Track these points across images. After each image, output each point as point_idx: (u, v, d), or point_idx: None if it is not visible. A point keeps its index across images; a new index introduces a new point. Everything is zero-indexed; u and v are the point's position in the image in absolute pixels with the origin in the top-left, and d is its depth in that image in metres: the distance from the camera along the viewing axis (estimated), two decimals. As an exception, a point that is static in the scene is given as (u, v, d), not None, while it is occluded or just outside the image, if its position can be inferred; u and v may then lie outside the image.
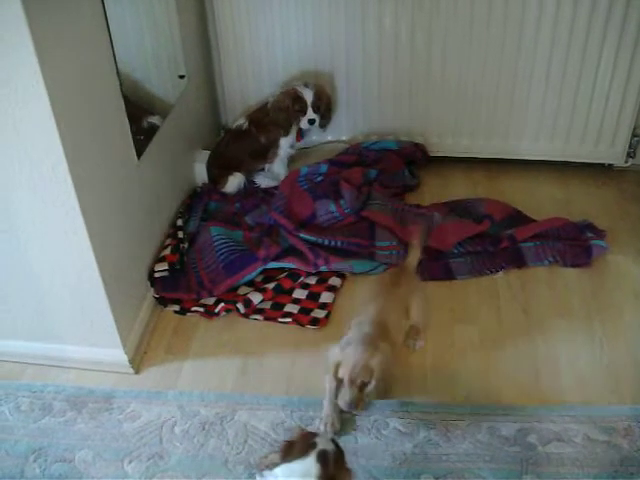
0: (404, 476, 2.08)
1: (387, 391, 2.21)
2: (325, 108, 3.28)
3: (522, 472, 2.09)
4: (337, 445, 1.76)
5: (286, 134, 3.29)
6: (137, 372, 2.49)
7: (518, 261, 2.85)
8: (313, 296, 2.72)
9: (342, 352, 2.14)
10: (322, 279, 2.80)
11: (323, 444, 1.71)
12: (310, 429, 1.92)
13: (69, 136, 1.98)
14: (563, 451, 2.14)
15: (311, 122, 3.24)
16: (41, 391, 2.43)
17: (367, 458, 2.13)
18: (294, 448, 1.72)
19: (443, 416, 2.25)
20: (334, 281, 2.79)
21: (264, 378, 2.41)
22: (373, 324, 2.23)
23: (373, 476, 2.09)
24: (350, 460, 2.00)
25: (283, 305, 2.69)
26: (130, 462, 2.17)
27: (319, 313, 2.65)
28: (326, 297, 2.72)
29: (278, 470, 1.67)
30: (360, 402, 2.11)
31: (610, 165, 3.40)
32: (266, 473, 1.71)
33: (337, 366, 2.12)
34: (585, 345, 2.52)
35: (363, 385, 2.09)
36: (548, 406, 2.29)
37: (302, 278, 2.78)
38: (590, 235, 2.92)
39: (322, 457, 1.68)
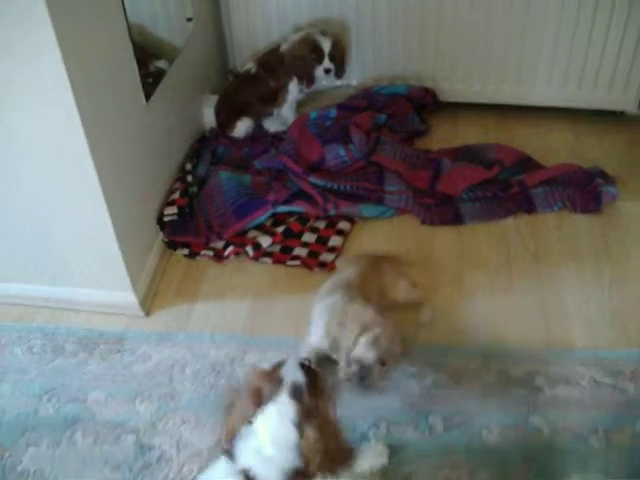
0: (412, 417, 2.11)
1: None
2: (340, 58, 3.24)
3: (529, 413, 2.11)
4: (307, 369, 1.63)
5: (301, 82, 3.25)
6: (147, 314, 2.51)
7: (528, 206, 2.84)
8: (322, 240, 2.72)
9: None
10: (331, 223, 2.80)
11: (291, 376, 1.60)
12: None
13: (77, 77, 1.96)
14: (570, 393, 2.17)
15: (327, 71, 3.20)
16: (53, 333, 2.46)
17: (376, 400, 2.15)
18: (263, 392, 1.61)
19: (452, 359, 2.28)
20: (343, 225, 2.79)
21: (273, 320, 2.43)
22: (352, 289, 2.21)
23: (382, 417, 2.11)
24: (359, 401, 2.05)
25: (292, 248, 2.69)
26: (141, 402, 2.21)
27: (327, 257, 2.65)
28: (335, 241, 2.72)
29: (256, 422, 1.57)
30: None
31: (622, 112, 3.36)
32: (244, 434, 1.58)
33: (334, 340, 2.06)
34: (594, 290, 2.52)
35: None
36: (556, 349, 2.31)
37: (311, 222, 2.78)
38: (600, 181, 2.90)
39: (294, 391, 1.57)
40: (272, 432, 1.54)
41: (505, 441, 2.04)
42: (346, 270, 2.35)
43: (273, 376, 1.63)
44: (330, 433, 1.58)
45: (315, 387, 1.61)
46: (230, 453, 1.59)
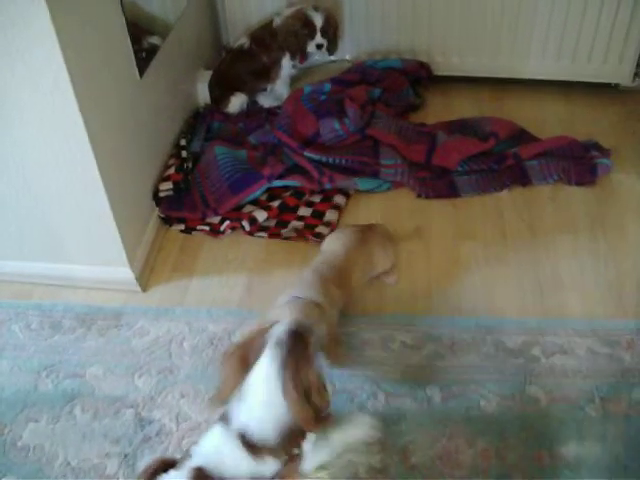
0: (410, 387, 2.12)
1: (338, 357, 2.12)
2: (333, 33, 3.22)
3: (525, 383, 2.13)
4: (293, 332, 1.60)
5: (294, 57, 3.24)
6: (144, 290, 2.51)
7: (523, 179, 2.84)
8: (318, 214, 2.72)
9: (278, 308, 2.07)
10: (327, 197, 2.80)
11: (275, 335, 1.59)
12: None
13: (71, 52, 1.95)
14: (566, 363, 2.18)
15: (319, 47, 3.19)
16: (50, 310, 2.46)
17: (375, 370, 2.16)
18: (248, 355, 1.61)
19: (449, 330, 2.29)
20: (339, 199, 2.79)
21: (270, 294, 2.41)
22: (332, 269, 2.20)
23: (381, 387, 2.13)
24: (358, 372, 2.06)
25: (288, 222, 2.69)
26: (140, 376, 2.21)
27: (323, 229, 2.65)
28: (331, 215, 2.72)
29: (245, 387, 1.59)
30: None
31: (616, 85, 3.36)
32: (236, 397, 1.60)
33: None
34: (589, 261, 2.53)
35: None
36: (552, 320, 2.32)
37: (307, 196, 2.78)
38: (595, 154, 2.91)
39: (276, 349, 1.56)
40: (258, 391, 1.57)
41: (502, 411, 2.05)
42: (333, 245, 2.33)
43: (258, 339, 1.62)
44: (312, 391, 1.57)
45: (297, 346, 1.59)
46: (224, 418, 1.62)
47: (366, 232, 2.36)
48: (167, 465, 1.63)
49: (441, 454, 1.96)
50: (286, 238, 2.65)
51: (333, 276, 2.17)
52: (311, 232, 2.63)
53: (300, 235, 2.63)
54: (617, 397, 2.09)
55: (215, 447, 1.61)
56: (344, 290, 2.19)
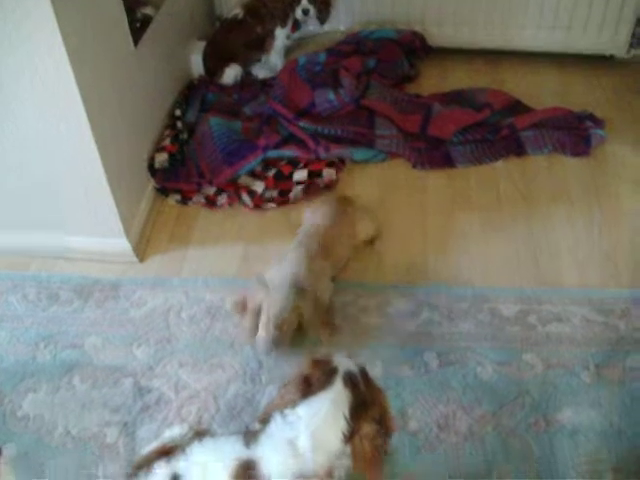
0: (407, 353, 2.14)
1: (330, 331, 2.18)
2: (324, 2, 3.22)
3: (522, 350, 2.15)
4: (359, 364, 1.55)
5: (283, 25, 3.22)
6: (141, 261, 2.51)
7: (518, 149, 2.85)
8: (315, 173, 2.73)
9: (268, 290, 2.10)
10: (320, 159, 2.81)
11: (344, 365, 1.51)
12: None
13: (67, 22, 1.94)
14: (562, 331, 2.20)
15: (305, 12, 3.19)
16: (47, 281, 2.45)
17: (372, 337, 2.18)
18: (312, 380, 1.50)
19: (445, 298, 2.30)
20: (333, 159, 2.81)
21: (266, 263, 2.42)
22: (317, 242, 2.23)
23: (377, 354, 2.14)
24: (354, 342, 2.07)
25: (289, 191, 2.68)
26: (139, 346, 2.22)
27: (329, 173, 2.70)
28: (328, 173, 2.73)
29: (301, 410, 1.46)
30: (281, 342, 2.09)
31: (611, 56, 3.35)
32: (286, 413, 1.48)
33: (259, 305, 2.10)
34: (584, 231, 2.55)
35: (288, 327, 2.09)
36: (547, 289, 2.34)
37: (301, 165, 2.78)
38: (589, 124, 2.92)
39: (349, 380, 1.48)
40: (318, 422, 1.45)
41: (499, 377, 2.07)
42: (315, 218, 2.34)
43: (323, 365, 1.53)
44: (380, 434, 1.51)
45: (367, 379, 1.53)
46: (250, 435, 1.51)
47: (344, 202, 2.40)
48: None
49: (438, 420, 1.98)
50: (295, 202, 2.66)
51: (318, 249, 2.21)
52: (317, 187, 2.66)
53: (309, 193, 2.65)
54: (612, 364, 2.11)
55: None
56: (331, 261, 2.23)
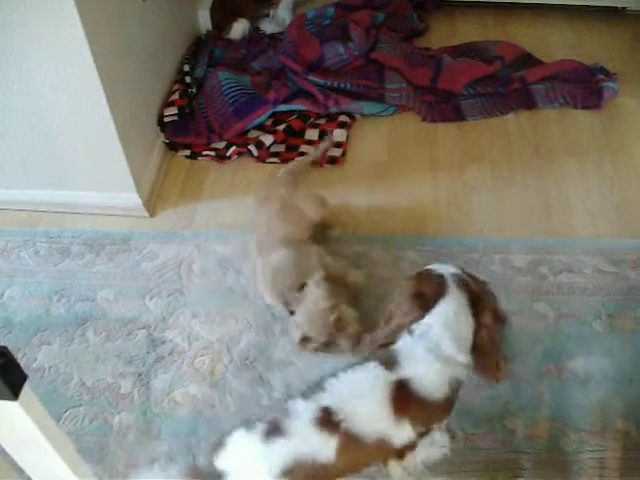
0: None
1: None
2: None
3: (533, 300, 2.16)
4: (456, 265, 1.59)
5: None
6: (152, 215, 2.51)
7: (529, 102, 2.83)
8: (326, 135, 2.70)
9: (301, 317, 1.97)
10: (331, 118, 2.78)
11: (448, 271, 1.54)
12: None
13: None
14: (573, 280, 2.21)
15: None
16: (58, 236, 2.46)
17: (385, 288, 2.17)
18: (427, 293, 1.51)
19: (458, 249, 2.30)
20: (344, 118, 2.78)
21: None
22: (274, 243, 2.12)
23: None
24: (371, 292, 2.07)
25: (297, 146, 2.67)
26: (151, 298, 2.23)
27: (335, 152, 2.65)
28: (339, 135, 2.70)
29: (430, 319, 1.49)
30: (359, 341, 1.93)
31: (623, 9, 3.31)
32: (413, 329, 1.51)
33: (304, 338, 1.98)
34: (596, 183, 2.54)
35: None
36: (559, 239, 2.33)
37: (312, 119, 2.76)
38: (601, 77, 2.89)
39: (460, 282, 1.52)
40: (451, 324, 1.48)
41: (511, 326, 2.07)
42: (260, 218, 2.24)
43: (430, 278, 1.55)
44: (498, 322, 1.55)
45: (473, 277, 1.58)
46: (384, 360, 1.51)
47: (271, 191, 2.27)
48: None
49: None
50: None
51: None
52: (323, 157, 2.61)
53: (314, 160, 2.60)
54: (623, 314, 2.12)
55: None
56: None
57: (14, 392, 0.83)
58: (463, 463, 1.82)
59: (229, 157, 2.65)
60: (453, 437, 1.84)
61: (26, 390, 0.85)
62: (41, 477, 1.05)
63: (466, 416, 1.88)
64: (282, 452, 1.41)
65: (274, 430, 1.43)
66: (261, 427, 1.44)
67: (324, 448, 1.41)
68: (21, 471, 1.09)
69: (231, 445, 1.46)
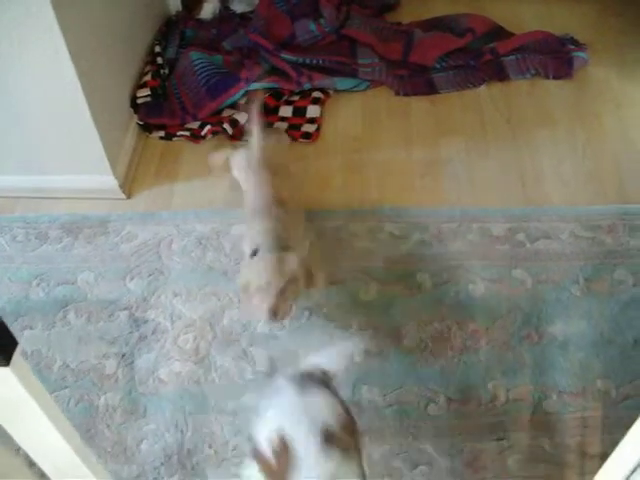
0: (400, 275, 2.17)
1: (314, 282, 1.89)
2: None
3: (512, 267, 2.19)
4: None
5: None
6: (129, 197, 2.50)
7: (500, 74, 2.84)
8: (300, 111, 2.71)
9: (249, 267, 1.86)
10: (305, 94, 2.78)
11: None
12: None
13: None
14: (550, 247, 2.24)
15: None
16: (35, 221, 2.44)
17: (364, 260, 2.19)
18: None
19: (434, 219, 2.33)
20: (317, 94, 2.78)
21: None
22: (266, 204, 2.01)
23: (371, 276, 2.17)
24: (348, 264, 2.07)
25: (272, 124, 2.67)
26: (132, 279, 2.23)
27: (309, 127, 2.65)
28: (313, 111, 2.71)
29: None
30: (282, 309, 1.79)
31: (593, -20, 3.33)
32: None
33: (247, 285, 1.82)
34: (568, 152, 2.57)
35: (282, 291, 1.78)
36: (535, 208, 2.36)
37: (285, 97, 2.76)
38: (571, 47, 2.91)
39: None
40: None
41: (491, 294, 2.11)
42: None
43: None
44: None
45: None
46: None
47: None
48: None
49: (433, 336, 2.02)
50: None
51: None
52: (298, 132, 2.63)
53: (288, 135, 2.61)
54: (600, 277, 2.16)
55: None
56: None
57: (5, 358, 0.82)
58: (447, 428, 1.85)
59: (204, 136, 2.64)
60: (436, 403, 1.87)
61: (17, 356, 0.84)
62: (33, 446, 1.05)
63: (448, 382, 1.91)
64: None
65: None
66: None
67: None
68: (11, 440, 1.08)
69: None
